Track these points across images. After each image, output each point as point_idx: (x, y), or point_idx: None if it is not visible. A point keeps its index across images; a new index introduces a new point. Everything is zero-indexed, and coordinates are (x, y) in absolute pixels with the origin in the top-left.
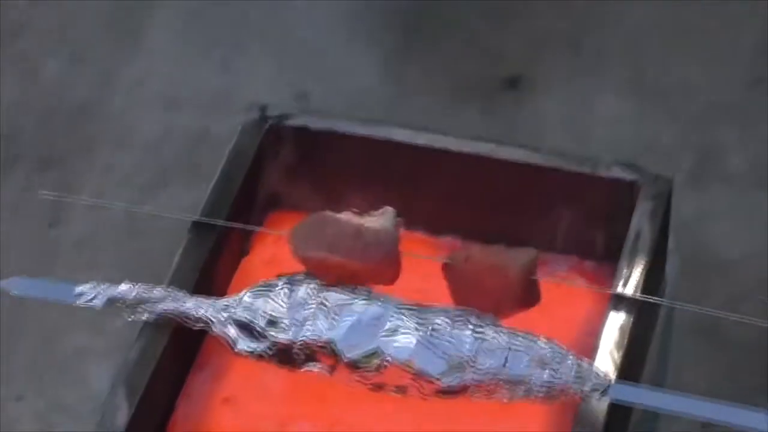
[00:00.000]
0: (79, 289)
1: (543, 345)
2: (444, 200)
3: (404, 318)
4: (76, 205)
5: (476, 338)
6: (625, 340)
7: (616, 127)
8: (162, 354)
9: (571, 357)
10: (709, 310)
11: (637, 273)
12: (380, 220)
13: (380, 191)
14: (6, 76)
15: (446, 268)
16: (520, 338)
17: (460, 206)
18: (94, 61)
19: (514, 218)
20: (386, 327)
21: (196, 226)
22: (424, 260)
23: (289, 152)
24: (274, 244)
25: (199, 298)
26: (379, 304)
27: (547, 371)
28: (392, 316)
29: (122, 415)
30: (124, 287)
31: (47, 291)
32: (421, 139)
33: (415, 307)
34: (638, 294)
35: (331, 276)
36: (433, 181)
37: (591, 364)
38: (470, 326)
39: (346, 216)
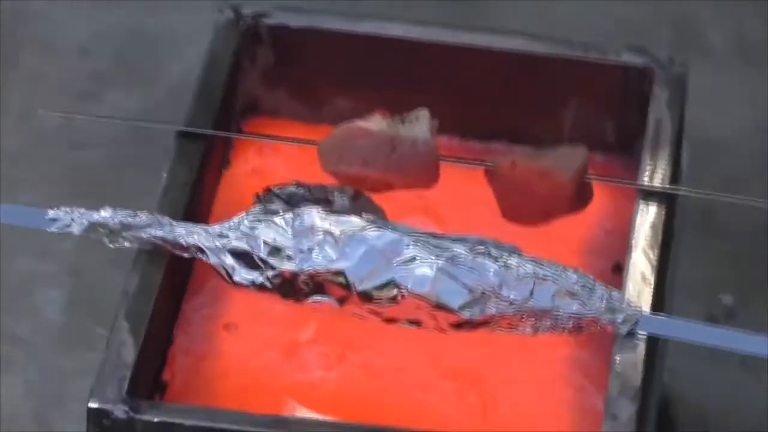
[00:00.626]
0: (52, 213)
1: (571, 275)
2: (441, 98)
3: (420, 246)
4: (9, 120)
5: (500, 267)
6: (659, 238)
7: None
8: (161, 283)
9: (600, 288)
10: (745, 198)
11: (662, 164)
12: (415, 126)
13: (370, 93)
14: None
15: (490, 174)
16: (546, 268)
17: (459, 104)
18: None
19: (518, 113)
20: (402, 256)
21: (182, 137)
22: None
23: (267, 53)
24: (257, 154)
25: (189, 225)
26: (393, 231)
27: (576, 303)
28: (408, 245)
29: (129, 350)
30: (105, 213)
31: (16, 217)
32: (413, 32)
33: (433, 235)
34: (668, 186)
35: (365, 187)
36: (427, 78)
37: (621, 294)
38: (492, 255)
39: (377, 125)
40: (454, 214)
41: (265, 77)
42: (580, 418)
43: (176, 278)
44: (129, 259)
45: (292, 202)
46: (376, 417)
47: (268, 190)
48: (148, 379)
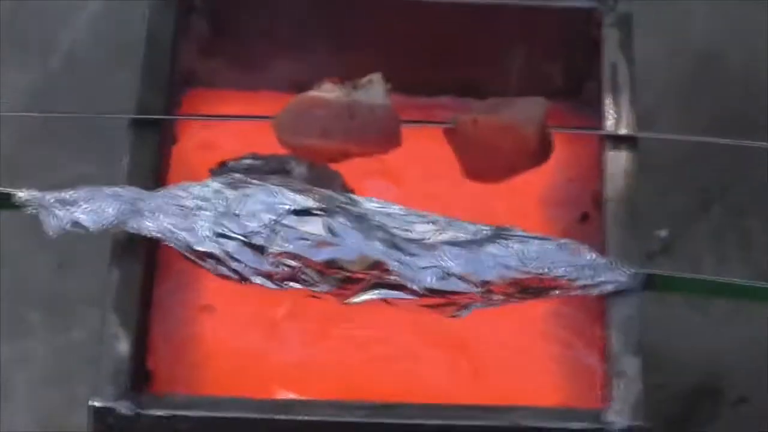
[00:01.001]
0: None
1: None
2: (383, 55)
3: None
4: None
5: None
6: (632, 186)
7: None
8: (142, 272)
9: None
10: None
11: (624, 109)
12: (370, 91)
13: (308, 55)
14: None
15: (450, 133)
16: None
17: (402, 59)
18: None
19: (463, 65)
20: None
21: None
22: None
23: (201, 22)
24: (203, 127)
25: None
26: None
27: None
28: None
29: (123, 344)
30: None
31: None
32: None
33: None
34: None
35: (323, 159)
36: (366, 35)
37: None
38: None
39: (331, 93)
40: (414, 175)
41: (200, 48)
42: (572, 374)
43: (150, 264)
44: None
45: (251, 174)
46: (368, 391)
47: (223, 164)
48: (139, 370)
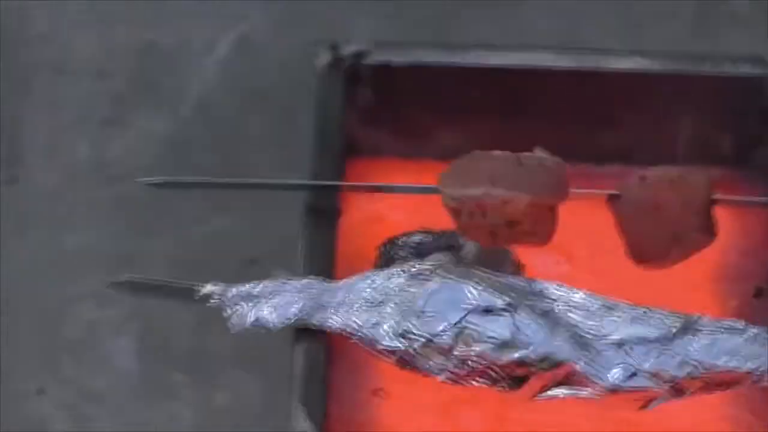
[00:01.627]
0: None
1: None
2: (550, 124)
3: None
4: (33, 156)
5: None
6: None
7: None
8: (324, 362)
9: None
10: None
11: None
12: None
13: (474, 124)
14: None
15: (613, 199)
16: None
17: (568, 128)
18: None
19: (631, 133)
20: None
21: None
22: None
23: (367, 93)
24: (368, 199)
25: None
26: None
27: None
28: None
29: None
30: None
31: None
32: (516, 59)
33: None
34: None
35: (485, 232)
36: (533, 103)
37: None
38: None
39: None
40: (582, 248)
41: (364, 116)
42: None
43: (328, 348)
44: None
45: (421, 252)
46: None
47: (392, 241)
48: None
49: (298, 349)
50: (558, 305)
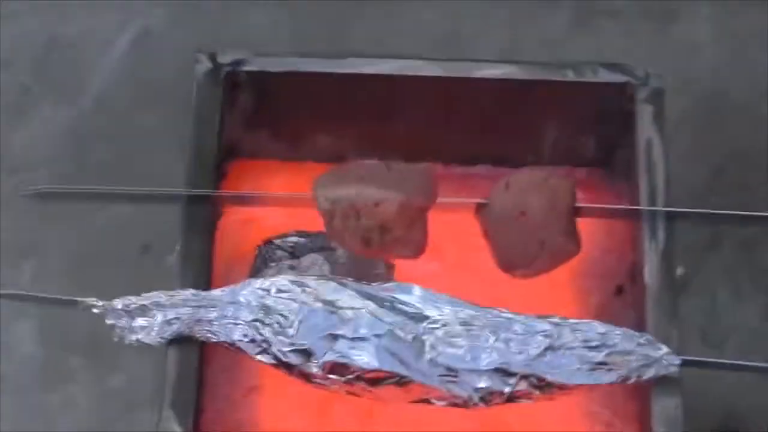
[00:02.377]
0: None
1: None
2: (421, 128)
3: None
4: None
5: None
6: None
7: None
8: (198, 366)
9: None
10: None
11: (660, 184)
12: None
13: (349, 127)
14: None
15: (481, 208)
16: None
17: (440, 132)
18: None
19: (500, 136)
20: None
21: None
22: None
23: (246, 99)
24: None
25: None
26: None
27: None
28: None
29: None
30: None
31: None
32: (388, 67)
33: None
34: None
35: (358, 238)
36: (407, 109)
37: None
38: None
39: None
40: (452, 248)
41: (244, 121)
42: None
43: (201, 351)
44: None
45: (297, 253)
46: None
47: (268, 242)
48: None
49: (171, 353)
50: (421, 327)
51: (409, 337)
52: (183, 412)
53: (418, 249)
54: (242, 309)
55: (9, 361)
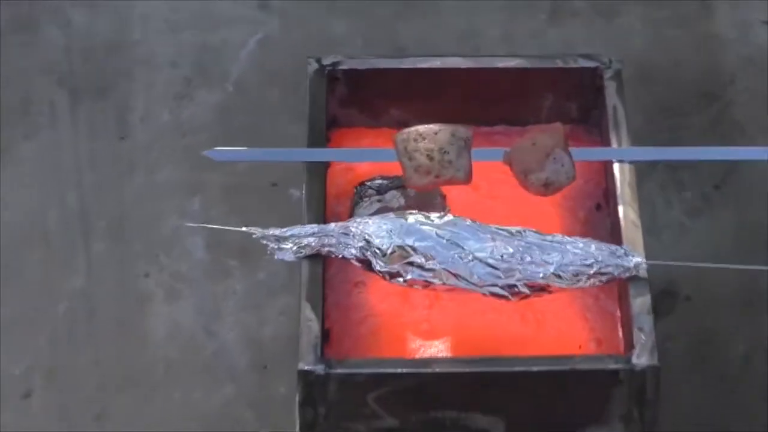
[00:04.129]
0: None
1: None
2: (459, 101)
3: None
4: (135, 121)
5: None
6: (636, 194)
7: None
8: (321, 270)
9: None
10: None
11: (624, 136)
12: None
13: (412, 105)
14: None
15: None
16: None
17: (472, 104)
18: (107, 5)
19: (512, 106)
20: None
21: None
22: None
23: (341, 87)
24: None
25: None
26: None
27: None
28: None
29: (315, 325)
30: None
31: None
32: (437, 63)
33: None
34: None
35: (423, 155)
36: (450, 91)
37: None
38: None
39: None
40: (483, 182)
41: (340, 102)
42: (601, 317)
43: (324, 261)
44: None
45: (381, 190)
46: (466, 335)
47: (362, 183)
48: (322, 332)
49: (304, 265)
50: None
51: (465, 260)
52: (314, 303)
53: (467, 174)
54: (351, 238)
55: (187, 262)
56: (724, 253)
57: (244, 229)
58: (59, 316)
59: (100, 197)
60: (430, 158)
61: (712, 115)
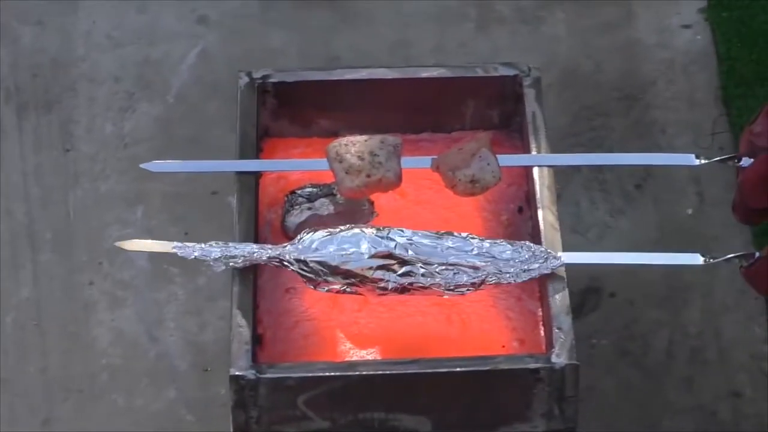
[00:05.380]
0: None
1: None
2: (386, 110)
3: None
4: (79, 133)
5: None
6: (554, 197)
7: None
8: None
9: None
10: None
11: (543, 142)
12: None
13: (341, 115)
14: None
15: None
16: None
17: (399, 112)
18: (54, 23)
19: (437, 114)
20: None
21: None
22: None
23: (271, 99)
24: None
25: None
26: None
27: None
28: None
29: (246, 332)
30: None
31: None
32: (365, 74)
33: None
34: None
35: (354, 157)
36: (379, 100)
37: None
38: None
39: None
40: (410, 191)
41: (272, 114)
42: (524, 317)
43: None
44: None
45: (312, 198)
46: (394, 336)
47: (292, 192)
48: (253, 337)
49: (235, 274)
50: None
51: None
52: (245, 310)
53: (397, 175)
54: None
55: (130, 270)
56: (646, 250)
57: (172, 249)
58: (8, 325)
59: (45, 208)
60: (361, 159)
61: (634, 116)
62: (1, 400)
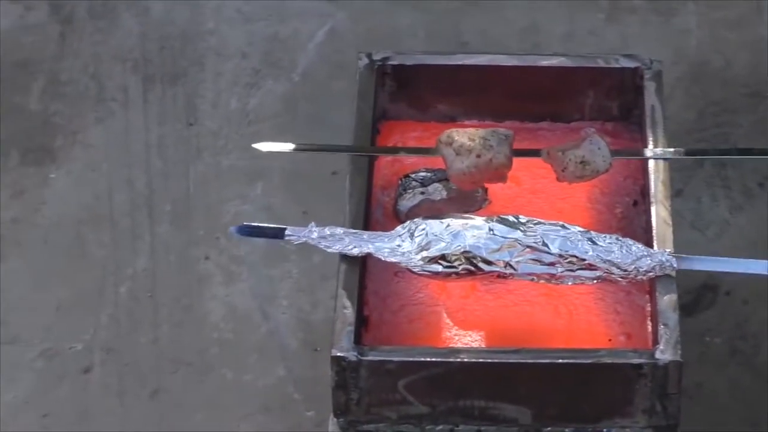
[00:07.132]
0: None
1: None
2: (505, 97)
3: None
4: (204, 108)
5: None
6: (669, 192)
7: None
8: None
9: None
10: None
11: (661, 135)
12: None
13: (459, 100)
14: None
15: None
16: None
17: (518, 100)
18: None
19: (557, 103)
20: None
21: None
22: None
23: (391, 81)
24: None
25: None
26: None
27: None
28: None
29: (350, 313)
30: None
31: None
32: (484, 60)
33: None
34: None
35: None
36: (497, 87)
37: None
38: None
39: None
40: (526, 178)
41: (390, 96)
42: (632, 311)
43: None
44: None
45: (425, 182)
46: (499, 325)
47: (406, 176)
48: (359, 319)
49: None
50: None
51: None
52: (350, 291)
53: (507, 158)
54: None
55: (246, 246)
56: (764, 248)
57: (286, 233)
58: (122, 295)
59: (166, 181)
60: (471, 140)
61: (760, 113)
62: (112, 370)
